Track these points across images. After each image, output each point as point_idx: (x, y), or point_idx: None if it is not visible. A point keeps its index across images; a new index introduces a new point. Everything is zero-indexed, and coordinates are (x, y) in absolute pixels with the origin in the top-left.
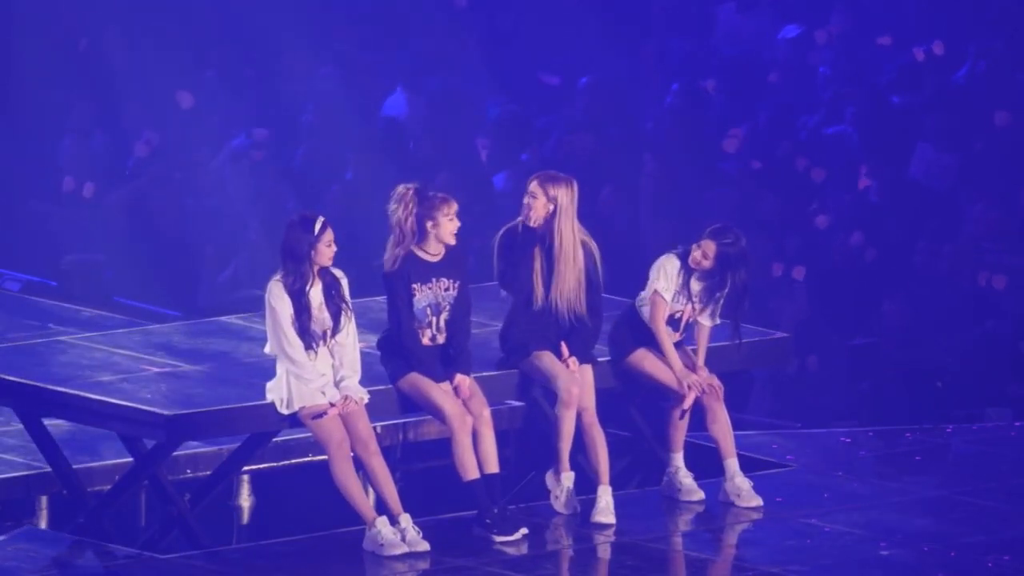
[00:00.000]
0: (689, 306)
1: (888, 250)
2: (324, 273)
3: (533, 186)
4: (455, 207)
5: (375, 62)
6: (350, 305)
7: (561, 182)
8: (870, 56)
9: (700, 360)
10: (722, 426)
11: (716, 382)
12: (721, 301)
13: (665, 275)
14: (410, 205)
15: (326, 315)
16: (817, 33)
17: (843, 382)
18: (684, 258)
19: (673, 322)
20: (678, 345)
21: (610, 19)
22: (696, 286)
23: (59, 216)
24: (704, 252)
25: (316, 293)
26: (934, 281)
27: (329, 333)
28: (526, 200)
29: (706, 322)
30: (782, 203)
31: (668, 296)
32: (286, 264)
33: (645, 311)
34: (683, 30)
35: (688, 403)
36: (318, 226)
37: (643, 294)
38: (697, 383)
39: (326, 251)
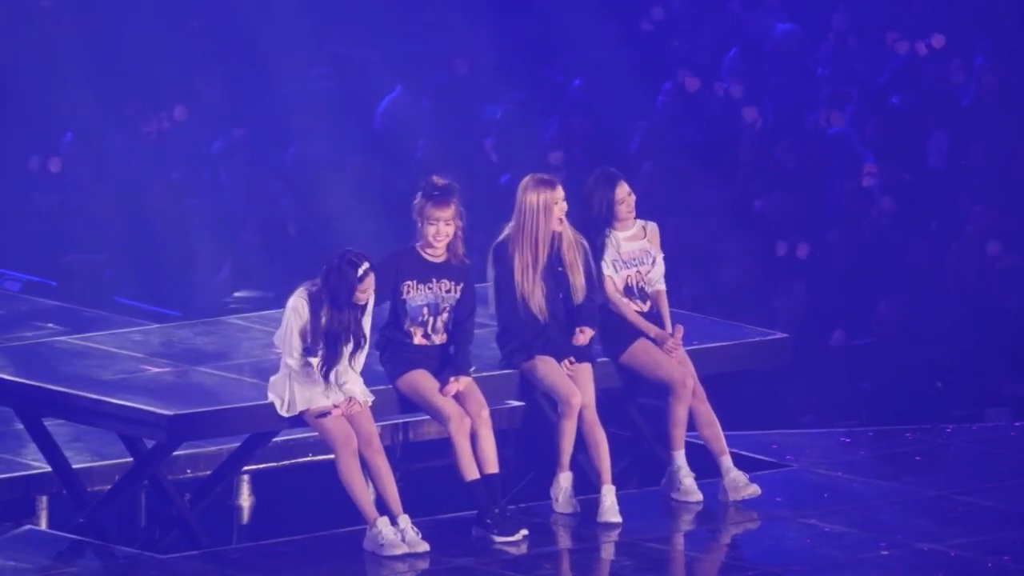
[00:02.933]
0: (634, 270)
1: (888, 249)
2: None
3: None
4: (443, 212)
5: (372, 61)
6: (368, 337)
7: (529, 182)
8: (870, 55)
9: (668, 325)
10: (711, 426)
11: (690, 380)
12: (658, 259)
13: (608, 263)
14: (418, 198)
15: (348, 348)
16: (816, 32)
17: (843, 382)
18: (608, 231)
19: (629, 291)
20: (651, 318)
21: (614, 18)
22: (627, 247)
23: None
24: (628, 199)
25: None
26: (934, 280)
27: (348, 352)
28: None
29: (659, 285)
30: (784, 202)
31: (611, 271)
32: (321, 296)
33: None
34: (684, 30)
35: (676, 354)
36: (361, 271)
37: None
38: (675, 341)
39: (360, 296)
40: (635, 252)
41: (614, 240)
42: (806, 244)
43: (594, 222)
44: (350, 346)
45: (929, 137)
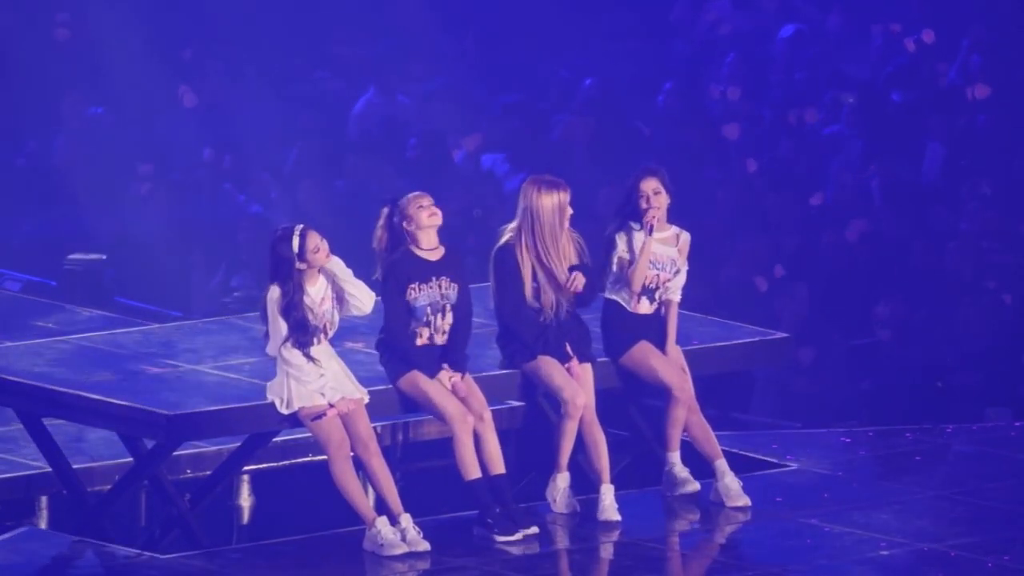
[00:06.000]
0: (654, 272)
1: (888, 249)
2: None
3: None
4: (427, 199)
5: (371, 63)
6: (351, 285)
7: (538, 185)
8: (867, 54)
9: (670, 342)
10: (703, 431)
11: (688, 385)
12: (682, 270)
13: (623, 241)
14: (382, 220)
15: (327, 308)
16: (813, 32)
17: (843, 382)
18: (636, 225)
19: (646, 292)
20: (655, 320)
21: (611, 17)
22: (657, 249)
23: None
24: (651, 195)
25: (318, 289)
26: (934, 280)
27: (330, 326)
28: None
29: (675, 296)
30: (783, 203)
31: (628, 257)
32: (278, 281)
33: (624, 294)
34: (683, 30)
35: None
36: (296, 242)
37: (608, 275)
38: (688, 390)
39: (315, 257)
40: (662, 257)
41: (639, 239)
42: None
43: (618, 211)
44: (331, 311)
45: (926, 141)
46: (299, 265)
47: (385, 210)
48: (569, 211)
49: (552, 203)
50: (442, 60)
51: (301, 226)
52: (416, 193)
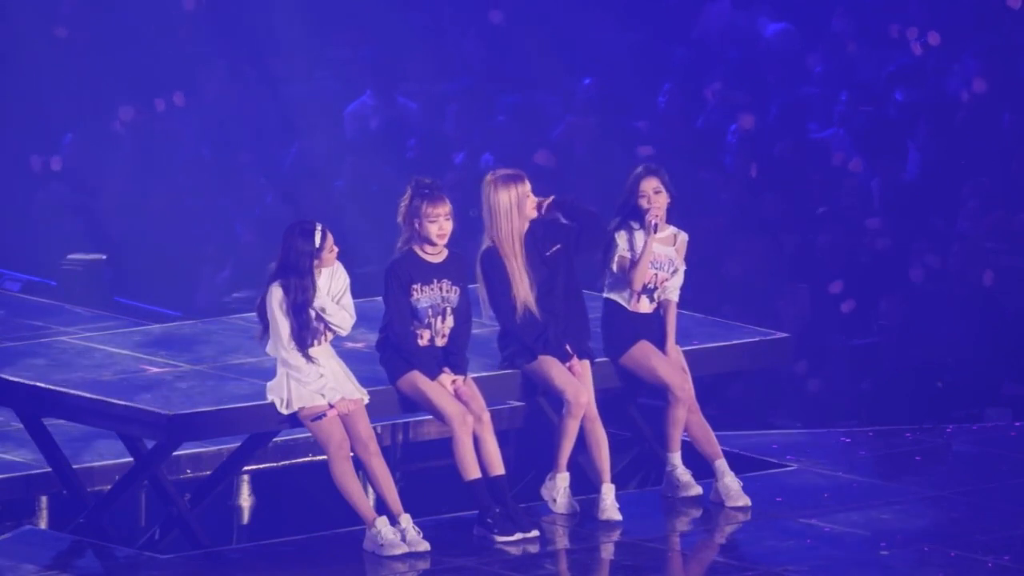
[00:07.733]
0: (653, 272)
1: (887, 249)
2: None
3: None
4: (442, 208)
5: (370, 64)
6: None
7: (494, 181)
8: (864, 56)
9: (670, 342)
10: (703, 431)
11: (689, 385)
12: (680, 270)
13: (624, 240)
14: (406, 200)
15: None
16: (808, 32)
17: (843, 382)
18: (636, 225)
19: (646, 290)
20: (655, 320)
21: (612, 19)
22: (658, 249)
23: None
24: (652, 195)
25: (320, 292)
26: (934, 280)
27: (322, 328)
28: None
29: (673, 296)
30: (782, 203)
31: (628, 254)
32: (288, 277)
33: (624, 294)
34: (683, 31)
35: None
36: (318, 237)
37: (608, 275)
38: (688, 390)
39: (329, 257)
40: (660, 256)
41: (640, 238)
42: (852, 300)
43: (618, 210)
44: (320, 323)
45: (918, 137)
46: (316, 263)
47: (411, 188)
48: (532, 201)
49: (508, 197)
50: (441, 60)
51: (320, 224)
52: (437, 198)
